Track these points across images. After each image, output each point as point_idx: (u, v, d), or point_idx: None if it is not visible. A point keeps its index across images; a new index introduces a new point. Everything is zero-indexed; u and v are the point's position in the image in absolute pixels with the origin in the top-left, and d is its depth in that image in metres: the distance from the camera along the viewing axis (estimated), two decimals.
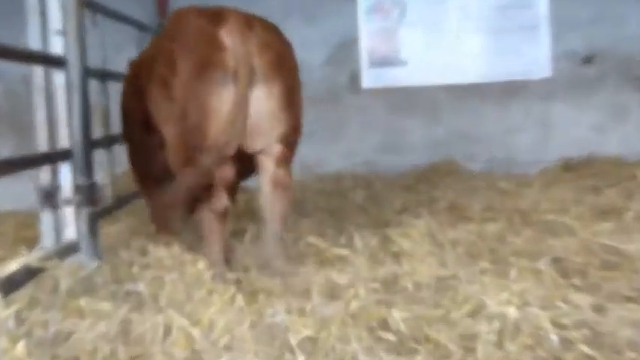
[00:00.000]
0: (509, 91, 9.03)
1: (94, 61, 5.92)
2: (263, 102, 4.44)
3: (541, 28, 8.94)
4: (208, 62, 4.36)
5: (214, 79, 4.34)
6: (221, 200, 4.53)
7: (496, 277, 4.20)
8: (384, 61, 9.06)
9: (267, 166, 4.67)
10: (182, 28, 4.63)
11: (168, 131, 4.70)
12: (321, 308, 3.89)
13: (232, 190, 4.82)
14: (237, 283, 4.32)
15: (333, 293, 4.18)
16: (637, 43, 8.91)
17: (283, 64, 4.58)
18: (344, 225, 5.79)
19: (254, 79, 4.37)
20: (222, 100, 4.32)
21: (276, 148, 4.62)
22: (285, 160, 4.69)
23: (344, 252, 4.99)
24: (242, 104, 4.32)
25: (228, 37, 4.36)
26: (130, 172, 5.98)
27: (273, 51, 4.51)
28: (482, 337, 3.40)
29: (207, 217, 4.55)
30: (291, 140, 4.71)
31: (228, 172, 4.53)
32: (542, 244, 5.00)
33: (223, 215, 4.56)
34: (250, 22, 4.51)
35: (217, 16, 4.48)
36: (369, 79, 9.10)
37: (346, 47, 9.06)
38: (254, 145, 4.56)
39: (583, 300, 3.81)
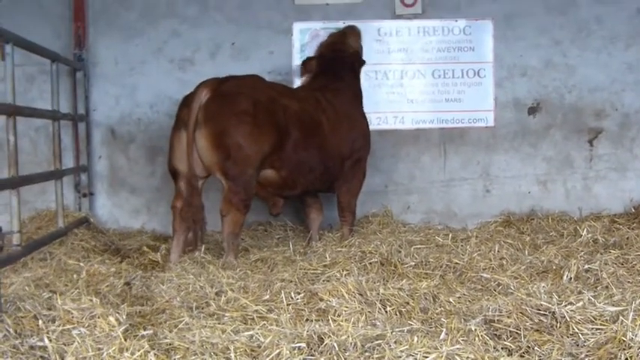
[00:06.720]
0: (450, 139, 9.37)
1: (3, 95, 6.04)
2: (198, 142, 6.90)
3: (485, 74, 9.31)
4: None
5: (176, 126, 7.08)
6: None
7: (425, 338, 4.40)
8: None
9: None
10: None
11: None
12: None
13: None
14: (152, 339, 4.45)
15: (253, 352, 4.34)
16: (585, 93, 9.36)
17: (221, 116, 6.89)
18: (269, 279, 5.95)
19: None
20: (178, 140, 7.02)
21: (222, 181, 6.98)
22: (228, 190, 6.89)
23: (268, 308, 5.17)
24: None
25: (194, 100, 6.93)
26: (38, 216, 6.08)
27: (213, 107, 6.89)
28: None
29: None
30: (228, 173, 6.88)
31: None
32: (476, 303, 5.26)
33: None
34: (217, 85, 7.00)
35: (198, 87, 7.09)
36: None
37: None
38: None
39: None
